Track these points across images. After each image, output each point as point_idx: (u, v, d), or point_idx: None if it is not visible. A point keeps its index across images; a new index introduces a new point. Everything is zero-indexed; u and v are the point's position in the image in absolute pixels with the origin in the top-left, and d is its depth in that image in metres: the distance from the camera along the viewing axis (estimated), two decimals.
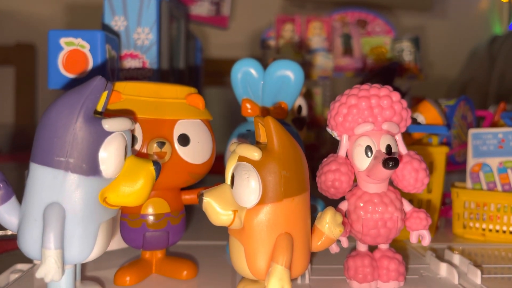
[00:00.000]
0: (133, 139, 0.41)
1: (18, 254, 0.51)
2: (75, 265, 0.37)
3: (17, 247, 0.49)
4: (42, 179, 0.33)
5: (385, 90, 0.41)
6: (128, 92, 0.42)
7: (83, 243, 0.34)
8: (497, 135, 0.60)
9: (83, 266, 0.48)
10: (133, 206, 0.37)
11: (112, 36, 0.57)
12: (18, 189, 0.36)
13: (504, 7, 2.18)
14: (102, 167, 0.34)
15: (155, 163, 0.36)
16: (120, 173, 0.35)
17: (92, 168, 0.34)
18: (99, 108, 0.37)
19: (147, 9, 0.65)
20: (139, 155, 0.40)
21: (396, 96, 0.41)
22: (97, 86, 0.34)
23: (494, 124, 0.72)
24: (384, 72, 0.76)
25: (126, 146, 0.36)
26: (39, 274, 0.32)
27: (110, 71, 0.55)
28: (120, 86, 0.42)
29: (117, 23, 0.65)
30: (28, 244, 0.34)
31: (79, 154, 0.33)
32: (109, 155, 0.34)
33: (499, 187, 0.60)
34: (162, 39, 0.68)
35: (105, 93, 0.36)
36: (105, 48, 0.53)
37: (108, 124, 0.34)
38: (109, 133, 0.34)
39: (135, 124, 0.40)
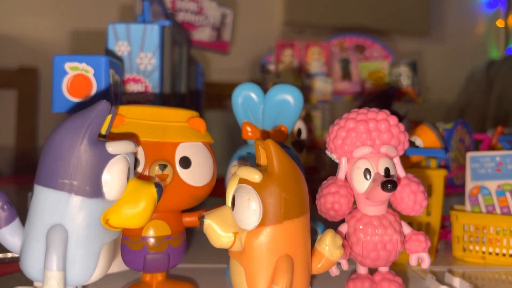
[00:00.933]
0: (136, 161, 0.41)
1: (17, 277, 0.51)
2: (77, 287, 0.37)
3: (17, 270, 0.49)
4: (45, 201, 0.34)
5: (383, 114, 0.41)
6: (131, 116, 0.43)
7: (85, 265, 0.34)
8: (494, 158, 0.61)
9: None
10: (135, 228, 0.37)
11: (116, 61, 0.58)
12: (19, 211, 0.36)
13: (500, 32, 2.22)
14: (105, 189, 0.35)
15: (157, 186, 0.37)
16: (123, 195, 0.36)
17: (95, 190, 0.34)
18: (103, 131, 0.38)
19: (150, 34, 0.67)
20: (141, 177, 0.41)
21: (393, 120, 0.41)
22: (101, 110, 0.35)
23: (491, 147, 0.73)
24: (381, 97, 0.77)
25: (129, 168, 0.36)
26: None
27: (114, 95, 0.56)
28: (123, 109, 0.43)
29: (121, 48, 0.66)
30: (31, 266, 0.34)
31: (83, 176, 0.34)
32: (112, 178, 0.35)
33: (498, 210, 0.60)
34: (164, 64, 0.69)
35: (109, 117, 0.37)
36: (109, 72, 0.54)
37: (111, 147, 0.35)
38: (113, 155, 0.35)
39: (138, 147, 0.40)
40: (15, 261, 0.53)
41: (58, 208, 0.34)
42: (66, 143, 0.34)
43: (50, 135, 0.35)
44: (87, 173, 0.34)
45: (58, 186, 0.34)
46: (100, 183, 0.34)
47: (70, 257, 0.34)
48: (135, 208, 0.35)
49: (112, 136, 0.41)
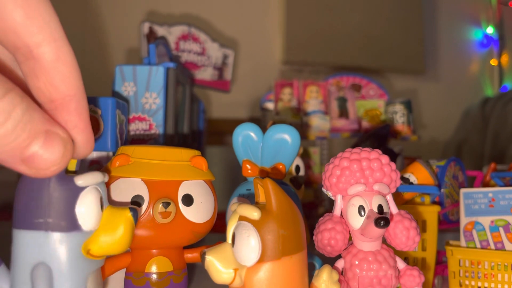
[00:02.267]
0: (140, 199, 0.43)
1: None
2: None
3: None
4: (24, 242, 0.34)
5: (375, 153, 0.44)
6: (136, 155, 0.45)
7: None
8: (487, 195, 0.62)
9: None
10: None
11: (122, 102, 0.61)
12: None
13: (494, 70, 2.28)
14: (81, 221, 0.35)
15: (132, 209, 0.37)
16: (100, 224, 0.36)
17: (71, 224, 0.35)
18: (72, 168, 0.38)
19: (155, 76, 0.70)
20: (145, 215, 0.43)
21: (385, 159, 0.44)
22: None
23: (485, 184, 0.75)
24: (376, 135, 0.80)
25: (101, 198, 0.37)
26: None
27: (119, 134, 0.59)
28: (129, 149, 0.46)
29: (127, 88, 0.69)
30: None
31: (56, 213, 0.34)
32: (86, 209, 0.35)
33: (492, 245, 0.61)
34: (168, 103, 0.72)
35: None
36: (115, 113, 0.57)
37: (80, 180, 0.35)
38: (83, 188, 0.35)
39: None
40: None
41: (37, 247, 0.34)
42: (35, 184, 0.34)
43: (19, 178, 0.35)
44: (60, 209, 0.34)
45: (34, 226, 0.34)
46: (74, 217, 0.35)
47: None
48: (113, 235, 0.36)
49: (117, 175, 0.43)
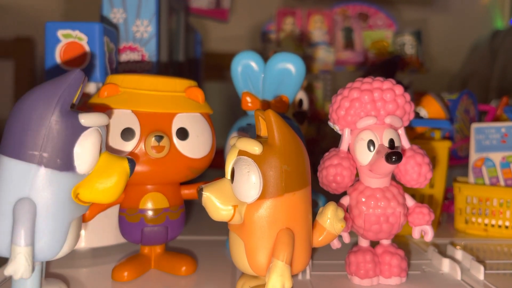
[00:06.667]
0: (131, 132, 0.40)
1: None
2: (42, 263, 0.36)
3: None
4: (12, 172, 0.32)
5: (388, 83, 0.40)
6: (126, 85, 0.41)
7: (54, 240, 0.33)
8: (500, 130, 0.59)
9: (80, 260, 0.48)
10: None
11: (111, 29, 0.56)
12: None
13: (505, 1, 2.16)
14: (77, 162, 0.33)
15: (130, 160, 0.35)
16: (94, 169, 0.34)
17: (66, 163, 0.32)
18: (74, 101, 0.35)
19: (146, 1, 0.64)
20: (136, 149, 0.40)
21: (399, 89, 0.40)
22: (75, 79, 0.33)
23: (496, 119, 0.72)
24: (385, 66, 0.75)
25: (101, 142, 0.34)
26: (7, 271, 0.31)
27: (109, 63, 0.54)
28: (118, 79, 0.42)
29: (116, 15, 0.64)
30: None
31: (53, 148, 0.32)
32: (85, 151, 0.33)
33: (501, 182, 0.59)
34: (161, 31, 0.67)
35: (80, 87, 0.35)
36: (103, 40, 0.52)
37: (85, 119, 0.33)
38: (86, 128, 0.33)
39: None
40: None
41: (26, 180, 0.32)
42: (36, 113, 0.32)
43: (17, 102, 0.33)
44: (58, 145, 0.32)
45: (27, 158, 0.32)
46: (71, 156, 0.33)
47: (38, 232, 0.32)
48: (106, 183, 0.34)
49: (103, 107, 0.40)
